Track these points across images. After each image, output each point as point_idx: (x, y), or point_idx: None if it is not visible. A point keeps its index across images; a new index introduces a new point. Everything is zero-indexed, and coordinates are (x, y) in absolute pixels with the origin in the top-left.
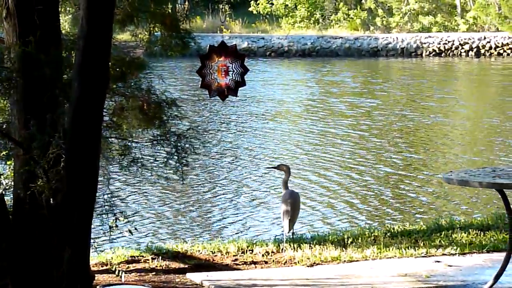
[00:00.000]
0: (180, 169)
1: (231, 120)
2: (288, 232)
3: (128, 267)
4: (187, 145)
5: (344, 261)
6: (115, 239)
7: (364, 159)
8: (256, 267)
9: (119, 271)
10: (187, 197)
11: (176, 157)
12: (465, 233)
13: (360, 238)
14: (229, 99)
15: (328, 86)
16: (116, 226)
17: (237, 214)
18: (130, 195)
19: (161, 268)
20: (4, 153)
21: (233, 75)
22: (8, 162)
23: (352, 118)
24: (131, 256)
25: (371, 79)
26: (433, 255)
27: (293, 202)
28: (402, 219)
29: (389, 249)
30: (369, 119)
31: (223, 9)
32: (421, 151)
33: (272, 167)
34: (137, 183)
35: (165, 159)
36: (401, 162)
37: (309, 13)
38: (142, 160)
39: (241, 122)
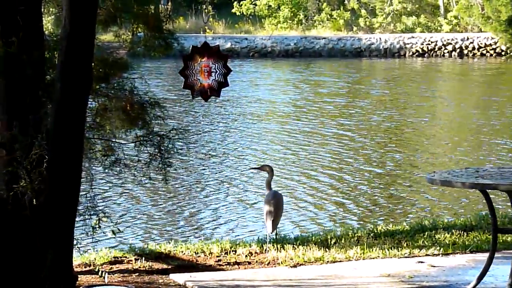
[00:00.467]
0: (163, 169)
1: (216, 120)
2: (271, 233)
3: (111, 268)
4: (170, 146)
5: (328, 261)
6: (102, 240)
7: (352, 159)
8: (239, 268)
9: (102, 272)
10: (174, 198)
11: (159, 158)
12: (448, 233)
13: (343, 239)
14: (213, 100)
15: (313, 87)
16: (99, 226)
17: (223, 215)
18: (117, 196)
19: (144, 268)
20: None
21: (216, 75)
22: None
23: (339, 118)
24: (114, 257)
25: (355, 80)
26: (416, 256)
27: (276, 202)
28: (390, 220)
29: (372, 250)
30: (356, 119)
31: (206, 10)
32: (408, 152)
33: (255, 168)
34: (125, 183)
35: (148, 160)
36: (389, 162)
37: (292, 14)
38: (125, 160)
39: (226, 123)
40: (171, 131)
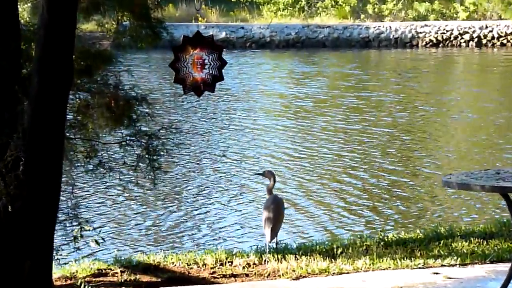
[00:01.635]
0: (152, 172)
1: (210, 118)
2: (270, 242)
3: (95, 281)
4: (159, 147)
5: (333, 273)
6: (85, 250)
7: (361, 159)
8: (236, 281)
9: (84, 285)
10: (163, 204)
11: (147, 160)
12: (466, 241)
13: (350, 248)
14: (207, 95)
15: (317, 80)
16: (81, 235)
17: (219, 221)
18: (101, 202)
19: (131, 282)
20: None
21: (210, 68)
22: None
23: (347, 114)
24: (97, 269)
25: (362, 72)
26: (431, 266)
27: (275, 208)
28: (402, 226)
29: (382, 260)
30: (365, 115)
31: None
32: (422, 151)
33: (257, 174)
34: (109, 188)
35: (135, 162)
36: (402, 163)
37: (293, 0)
38: (109, 163)
39: (222, 120)
40: (160, 130)
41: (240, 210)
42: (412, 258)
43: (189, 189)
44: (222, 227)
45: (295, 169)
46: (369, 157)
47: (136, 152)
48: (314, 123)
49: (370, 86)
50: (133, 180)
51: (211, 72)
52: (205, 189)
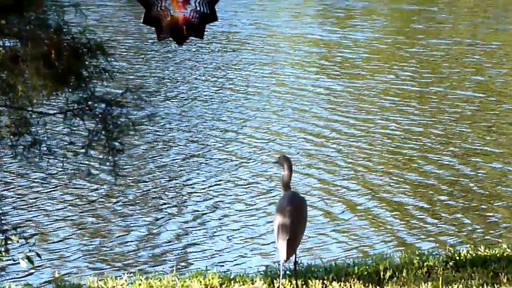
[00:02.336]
0: (111, 157)
1: (197, 79)
2: (286, 261)
3: None
4: (122, 119)
5: None
6: (12, 269)
7: (412, 149)
8: None
9: None
10: (128, 205)
11: (104, 138)
12: None
13: (404, 271)
14: (190, 43)
15: (367, 20)
16: (7, 250)
17: (211, 231)
18: (36, 202)
19: None
20: None
21: (197, 3)
22: None
23: (414, 70)
24: None
25: (433, 9)
26: None
27: (294, 211)
28: (479, 239)
29: None
30: (441, 71)
31: None
32: (492, 141)
33: (272, 162)
34: (48, 181)
35: (87, 142)
36: (468, 158)
37: None
38: (49, 142)
39: (225, 81)
40: (124, 93)
41: (243, 215)
42: (496, 285)
43: (166, 181)
44: (215, 239)
45: (328, 156)
46: (439, 139)
47: (88, 127)
48: (366, 84)
49: (444, 30)
50: (84, 168)
51: (198, 8)
52: (190, 181)
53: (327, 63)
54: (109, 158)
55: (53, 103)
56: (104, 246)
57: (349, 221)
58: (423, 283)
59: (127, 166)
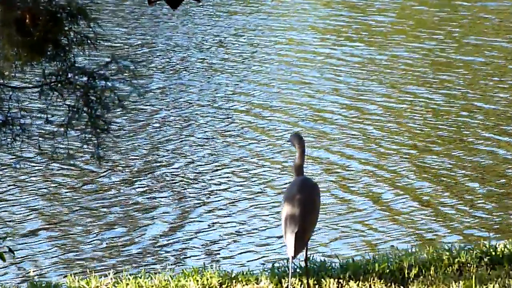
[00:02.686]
0: (95, 139)
1: (194, 53)
2: (294, 257)
3: None
4: (107, 93)
5: None
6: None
7: (439, 134)
8: None
9: None
10: (115, 195)
11: (86, 115)
12: None
13: (432, 268)
14: (189, 7)
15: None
16: None
17: (208, 224)
18: (10, 193)
19: None
20: None
21: None
22: None
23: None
24: None
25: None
26: None
27: (304, 199)
28: (508, 233)
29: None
30: (457, 56)
31: None
32: None
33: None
34: (23, 169)
35: (66, 119)
36: (504, 142)
37: None
38: (23, 121)
39: (230, 47)
40: (109, 64)
41: (246, 205)
42: None
43: (158, 167)
44: (214, 233)
45: (347, 136)
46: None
47: (68, 103)
48: (394, 55)
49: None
50: (62, 151)
51: None
52: (187, 167)
53: (350, 31)
54: (92, 139)
55: (28, 76)
56: (93, 242)
57: (369, 212)
58: (453, 283)
59: (113, 151)
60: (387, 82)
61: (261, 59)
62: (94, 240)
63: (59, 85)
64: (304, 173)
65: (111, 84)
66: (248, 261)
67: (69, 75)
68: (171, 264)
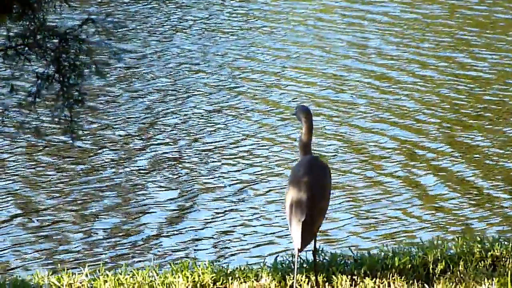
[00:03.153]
0: (67, 111)
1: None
2: (302, 249)
3: None
4: (82, 57)
5: None
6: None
7: (467, 116)
8: None
9: None
10: (98, 180)
11: (58, 84)
12: None
13: (461, 263)
14: None
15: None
16: None
17: (200, 213)
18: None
19: None
20: None
21: None
22: None
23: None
24: None
25: None
26: None
27: (312, 182)
28: None
29: None
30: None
31: None
32: None
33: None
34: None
35: (35, 89)
36: None
37: None
38: None
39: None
40: (84, 24)
41: (261, 189)
42: None
43: (157, 144)
44: (212, 224)
45: (363, 114)
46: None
47: (37, 69)
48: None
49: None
50: (31, 127)
51: None
52: (181, 150)
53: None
54: (65, 112)
55: None
56: (83, 231)
57: (387, 199)
58: (486, 279)
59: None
60: (424, 46)
61: (274, 19)
62: (83, 230)
63: (27, 48)
64: (312, 152)
65: (86, 47)
66: (246, 255)
67: (38, 37)
68: (175, 259)
